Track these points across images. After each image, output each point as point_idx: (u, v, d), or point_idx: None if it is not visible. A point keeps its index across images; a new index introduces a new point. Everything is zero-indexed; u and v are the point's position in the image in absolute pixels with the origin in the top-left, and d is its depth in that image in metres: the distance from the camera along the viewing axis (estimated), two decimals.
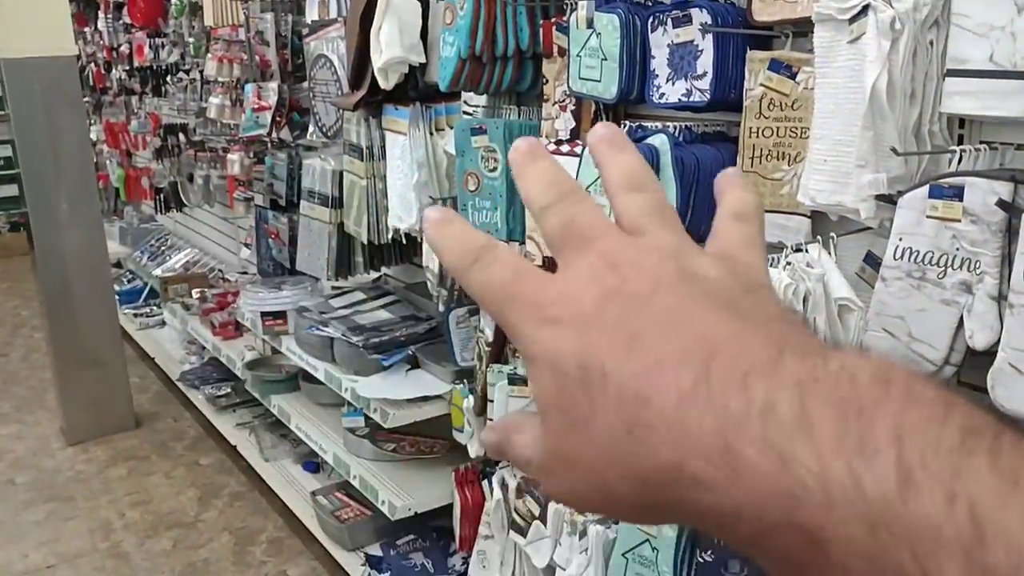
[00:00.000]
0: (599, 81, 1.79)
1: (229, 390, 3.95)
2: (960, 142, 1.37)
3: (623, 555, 1.86)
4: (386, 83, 2.39)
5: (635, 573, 1.84)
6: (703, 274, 0.35)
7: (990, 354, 1.22)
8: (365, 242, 2.69)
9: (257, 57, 3.32)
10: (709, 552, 1.75)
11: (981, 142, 1.33)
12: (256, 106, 3.27)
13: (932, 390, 0.28)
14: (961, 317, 1.26)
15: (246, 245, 4.02)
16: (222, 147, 4.05)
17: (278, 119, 3.23)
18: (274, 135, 3.27)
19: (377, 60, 2.36)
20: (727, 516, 0.29)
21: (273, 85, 3.22)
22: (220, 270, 4.65)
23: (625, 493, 0.31)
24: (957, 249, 1.25)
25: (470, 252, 0.36)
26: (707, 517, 0.30)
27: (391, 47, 2.30)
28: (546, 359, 0.33)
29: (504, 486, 2.28)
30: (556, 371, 0.32)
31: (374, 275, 3.09)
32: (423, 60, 2.35)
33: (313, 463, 3.32)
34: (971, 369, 1.31)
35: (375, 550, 2.77)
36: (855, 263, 1.53)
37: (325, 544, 2.89)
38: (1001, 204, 1.18)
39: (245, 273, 4.29)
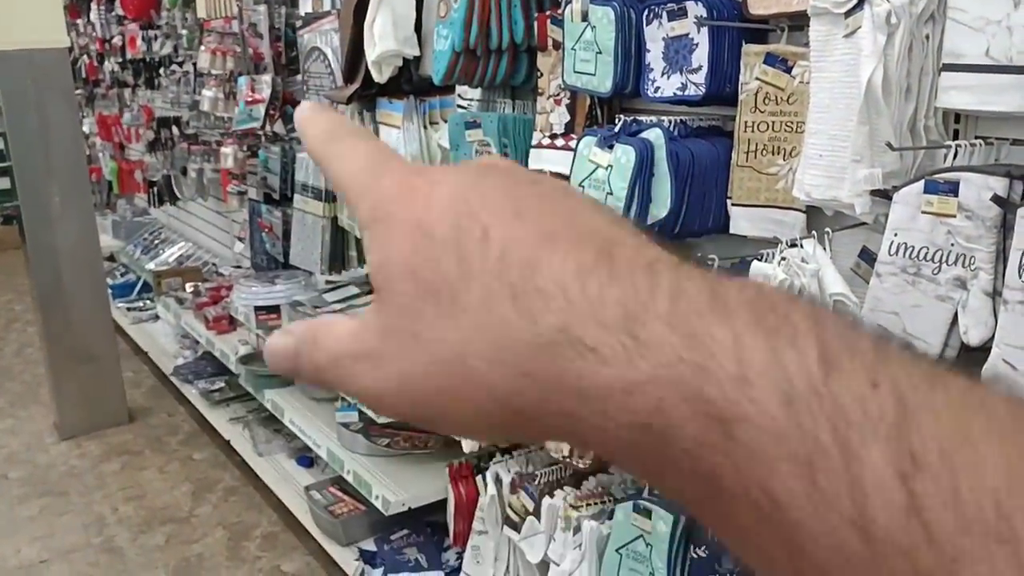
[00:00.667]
0: (594, 75, 1.78)
1: (223, 385, 3.93)
2: (955, 137, 1.37)
3: (617, 551, 1.86)
4: (380, 76, 2.37)
5: (629, 569, 1.84)
6: (573, 189, 0.34)
7: (984, 350, 1.22)
8: (359, 236, 2.68)
9: (250, 50, 3.30)
10: (703, 548, 1.75)
11: (976, 137, 1.32)
12: (249, 99, 3.25)
13: (828, 311, 0.26)
14: (956, 313, 1.26)
15: (240, 239, 4.00)
16: (215, 140, 4.03)
17: (271, 112, 3.22)
18: (267, 128, 3.26)
19: (371, 53, 2.34)
20: (618, 394, 0.25)
21: (267, 78, 3.20)
22: (214, 264, 4.63)
23: (487, 373, 0.27)
24: (952, 245, 1.25)
25: (335, 129, 0.34)
26: (593, 398, 0.25)
27: (385, 40, 2.29)
28: (410, 219, 0.29)
29: (498, 481, 2.27)
30: (419, 231, 0.28)
31: (368, 269, 3.07)
32: (417, 53, 2.34)
33: (307, 458, 3.31)
34: (965, 365, 1.31)
35: (369, 545, 2.77)
36: (850, 258, 1.53)
37: (319, 539, 2.88)
38: (996, 200, 1.17)
39: (239, 267, 4.27)
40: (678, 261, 0.27)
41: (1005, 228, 1.19)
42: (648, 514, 1.79)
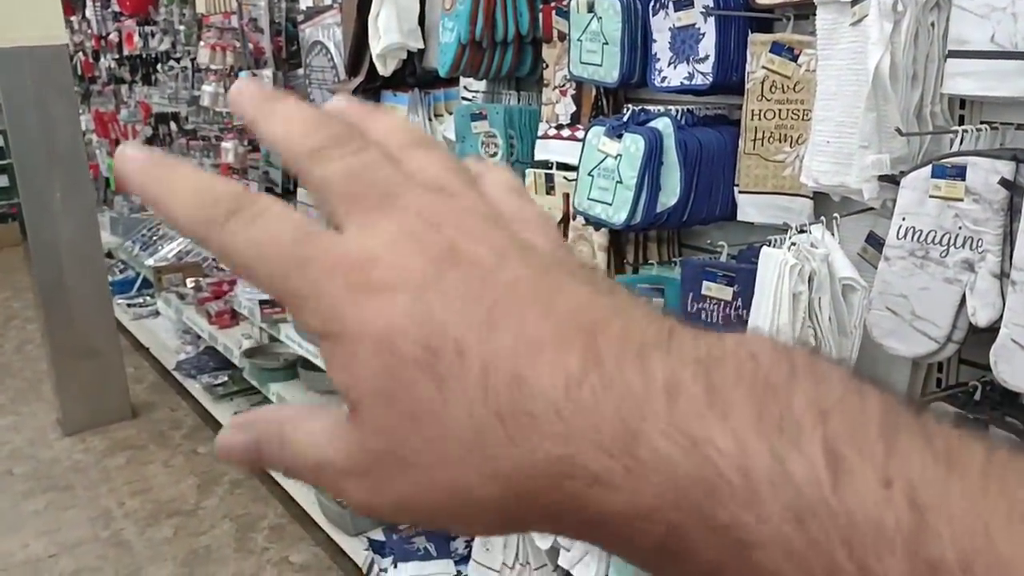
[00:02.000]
0: (600, 65, 1.80)
1: (226, 379, 3.95)
2: (961, 123, 1.39)
3: None
4: (384, 69, 2.39)
5: None
6: (533, 242, 0.28)
7: (992, 331, 1.24)
8: None
9: (251, 44, 3.31)
10: None
11: (982, 122, 1.35)
12: None
13: (836, 368, 0.24)
14: (963, 295, 1.28)
15: None
16: (215, 135, 4.04)
17: None
18: None
19: (375, 46, 2.36)
20: (630, 521, 0.24)
21: (268, 72, 3.21)
22: (214, 259, 4.64)
23: (490, 497, 0.25)
24: (959, 228, 1.28)
25: (221, 201, 0.27)
26: (604, 524, 0.24)
27: (389, 33, 2.30)
28: (371, 336, 0.25)
29: None
30: (386, 351, 0.25)
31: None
32: (421, 46, 2.35)
33: None
34: (973, 346, 1.34)
35: (378, 535, 2.79)
36: (857, 243, 1.55)
37: (327, 530, 2.91)
38: (1004, 183, 1.20)
39: None
40: (668, 330, 0.25)
41: (1012, 211, 1.22)
42: None
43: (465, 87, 2.32)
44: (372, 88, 2.53)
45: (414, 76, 2.45)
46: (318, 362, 2.85)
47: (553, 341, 0.25)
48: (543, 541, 2.11)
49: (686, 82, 1.67)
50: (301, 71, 3.02)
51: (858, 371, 0.25)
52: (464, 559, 2.57)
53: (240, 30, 3.36)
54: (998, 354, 1.22)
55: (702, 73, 1.64)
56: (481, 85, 2.27)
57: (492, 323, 0.25)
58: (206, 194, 0.27)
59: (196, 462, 3.68)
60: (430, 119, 2.44)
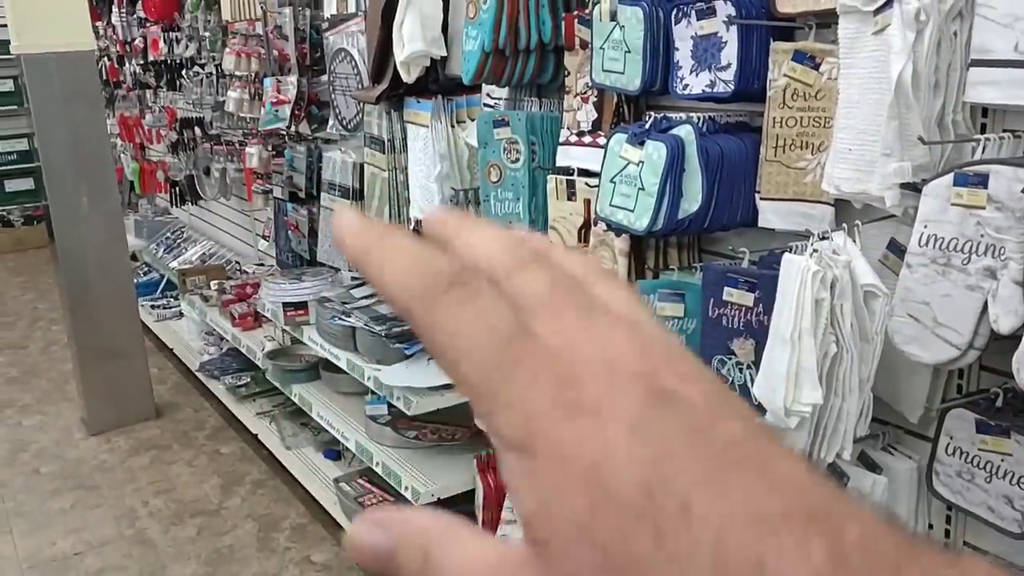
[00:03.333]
0: (622, 73, 1.82)
1: (249, 380, 3.99)
2: (983, 131, 1.40)
3: None
4: (408, 76, 2.42)
5: None
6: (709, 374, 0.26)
7: (1014, 338, 1.25)
8: None
9: (275, 51, 3.35)
10: None
11: (1004, 131, 1.36)
12: (275, 100, 3.30)
13: None
14: (985, 302, 1.29)
15: (264, 237, 4.05)
16: (239, 141, 4.09)
17: (297, 112, 3.27)
18: (293, 128, 3.31)
19: (399, 54, 2.39)
20: None
21: (292, 79, 3.25)
22: (237, 262, 4.69)
23: None
24: (982, 236, 1.28)
25: (440, 274, 0.25)
26: None
27: (414, 41, 2.33)
28: (580, 465, 0.23)
29: None
30: (596, 486, 0.23)
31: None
32: (444, 54, 2.38)
33: (334, 451, 3.37)
34: (994, 353, 1.34)
35: None
36: (878, 251, 1.56)
37: (348, 529, 2.93)
38: None
39: (262, 265, 4.33)
40: (910, 546, 0.23)
41: None
42: None
43: (487, 94, 2.34)
44: (395, 95, 2.56)
45: (437, 83, 2.47)
46: (340, 364, 2.88)
47: (786, 523, 0.22)
48: None
49: (708, 90, 1.69)
50: (325, 77, 3.05)
51: None
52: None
53: (265, 37, 3.40)
54: (1021, 361, 1.23)
55: (724, 81, 1.65)
56: (503, 92, 2.29)
57: (715, 481, 0.22)
58: (423, 265, 0.26)
59: (219, 462, 3.72)
60: (452, 126, 2.47)
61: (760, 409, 1.46)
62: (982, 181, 1.27)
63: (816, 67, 1.55)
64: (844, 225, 1.45)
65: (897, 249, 1.53)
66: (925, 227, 1.35)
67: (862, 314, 1.39)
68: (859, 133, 1.44)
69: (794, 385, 1.36)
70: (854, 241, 1.43)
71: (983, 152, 1.32)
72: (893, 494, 1.57)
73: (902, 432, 1.63)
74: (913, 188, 1.38)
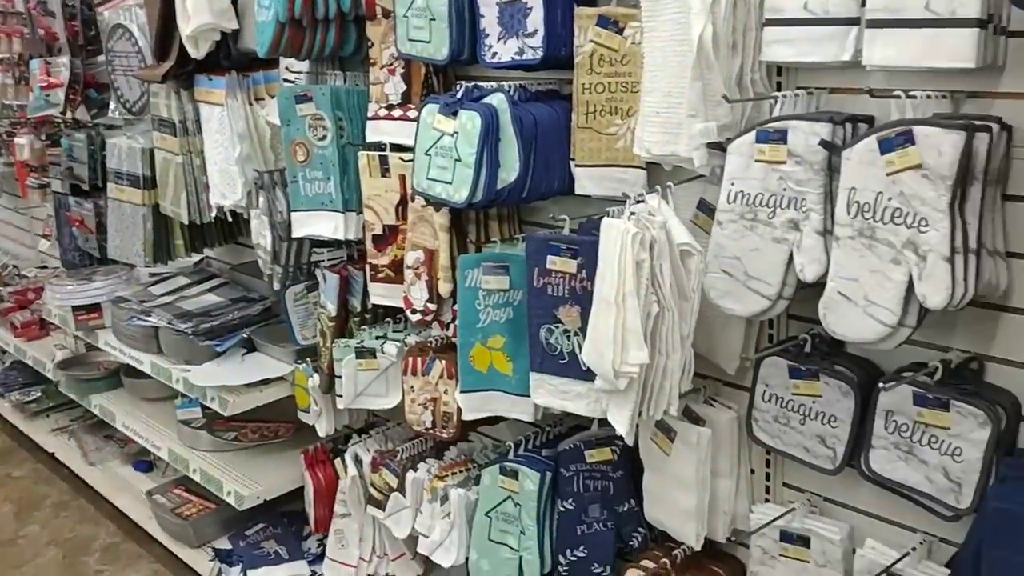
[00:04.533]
0: (429, 42, 1.76)
1: (39, 394, 3.65)
2: (779, 89, 1.46)
3: (486, 514, 1.88)
4: (197, 52, 2.24)
5: (499, 531, 1.87)
6: None
7: (819, 286, 1.31)
8: (185, 223, 2.54)
9: (41, 30, 3.03)
10: (570, 500, 1.80)
11: (799, 87, 1.42)
12: (45, 83, 2.98)
13: None
14: (791, 253, 1.35)
15: (44, 236, 3.69)
16: (6, 131, 3.69)
17: (72, 96, 2.97)
18: (69, 114, 3.01)
19: (185, 27, 2.21)
20: None
21: (64, 60, 2.95)
22: (15, 266, 4.25)
23: None
24: (784, 189, 1.34)
25: None
26: None
27: (200, 13, 2.16)
28: None
29: (358, 461, 2.24)
30: None
31: (196, 258, 2.92)
32: (235, 26, 2.22)
33: (144, 462, 3.13)
34: (800, 302, 1.41)
35: (223, 543, 2.66)
36: (689, 211, 1.61)
37: (167, 544, 2.74)
38: (823, 144, 1.27)
39: (45, 267, 3.95)
40: None
41: (831, 170, 1.29)
42: (515, 475, 1.82)
43: (287, 68, 2.22)
44: (184, 73, 2.38)
45: (229, 58, 2.31)
46: (143, 368, 2.67)
47: None
48: (400, 530, 2.07)
49: (517, 57, 1.66)
50: (102, 57, 2.78)
51: None
52: (318, 558, 2.49)
53: (27, 14, 3.06)
54: (827, 306, 1.29)
55: (532, 48, 1.63)
56: (304, 66, 2.17)
57: None
58: None
59: (11, 487, 3.37)
60: (250, 103, 2.32)
61: (589, 374, 1.46)
62: (781, 137, 1.32)
63: (620, 32, 1.56)
64: (657, 187, 1.47)
65: (707, 208, 1.58)
66: (732, 184, 1.39)
67: (679, 272, 1.41)
68: (665, 96, 1.47)
69: (621, 347, 1.37)
70: (668, 202, 1.45)
71: (781, 109, 1.37)
72: (717, 444, 1.62)
73: (721, 384, 1.70)
74: (719, 147, 1.42)
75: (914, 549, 1.41)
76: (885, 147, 1.18)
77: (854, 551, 1.48)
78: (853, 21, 1.28)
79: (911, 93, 1.22)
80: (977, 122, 1.15)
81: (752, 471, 1.68)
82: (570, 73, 1.64)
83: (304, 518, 2.51)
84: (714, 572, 1.70)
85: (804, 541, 1.53)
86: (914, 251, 1.18)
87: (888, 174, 1.19)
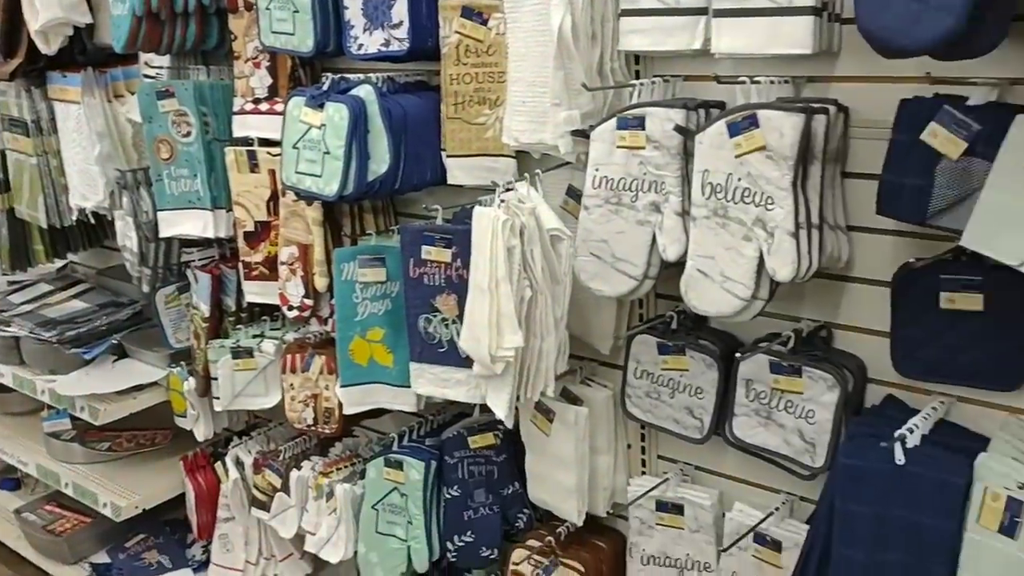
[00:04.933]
0: (293, 34, 1.75)
1: None
2: (637, 77, 1.52)
3: (373, 507, 1.88)
4: (48, 47, 2.14)
5: (387, 522, 1.87)
6: None
7: (681, 265, 1.38)
8: (44, 227, 2.42)
9: None
10: (455, 487, 1.83)
11: (655, 75, 1.48)
12: None
13: None
14: (654, 234, 1.41)
15: None
16: None
17: None
18: None
19: (33, 22, 2.10)
20: None
21: None
22: None
23: None
24: (645, 174, 1.40)
25: None
26: None
27: (49, 7, 2.06)
28: None
29: (240, 464, 2.20)
30: None
31: (59, 263, 2.79)
32: (89, 20, 2.13)
33: (11, 480, 2.97)
34: (666, 280, 1.47)
35: (102, 557, 2.55)
36: (559, 197, 1.65)
37: (39, 563, 2.61)
38: (678, 129, 1.33)
39: None
40: None
41: (687, 154, 1.35)
42: (399, 465, 1.83)
43: (146, 63, 2.14)
44: (35, 69, 2.26)
45: (84, 54, 2.22)
46: (5, 380, 2.53)
47: None
48: (286, 530, 2.05)
49: (383, 49, 1.67)
50: None
51: None
52: (203, 565, 2.43)
53: None
54: (687, 284, 1.36)
55: (398, 39, 1.64)
56: (165, 60, 2.11)
57: None
58: None
59: None
60: (109, 100, 2.23)
61: (468, 361, 1.49)
62: (640, 123, 1.37)
63: (485, 23, 1.59)
64: (527, 175, 1.51)
65: (575, 194, 1.62)
66: (597, 170, 1.44)
67: (551, 257, 1.45)
68: (530, 85, 1.50)
69: (496, 332, 1.40)
70: (537, 189, 1.49)
71: (639, 96, 1.43)
72: (594, 422, 1.68)
73: (598, 365, 1.75)
74: (583, 135, 1.47)
75: (777, 509, 1.50)
76: (733, 131, 1.25)
77: (724, 515, 1.56)
78: (702, 11, 1.34)
79: (755, 79, 1.29)
80: (815, 104, 1.23)
81: (629, 446, 1.75)
82: (438, 64, 1.65)
83: (187, 526, 2.44)
84: (596, 546, 1.76)
85: (678, 509, 1.60)
86: (763, 228, 1.25)
87: (736, 156, 1.26)
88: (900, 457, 1.19)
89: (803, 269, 1.24)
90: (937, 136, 1.14)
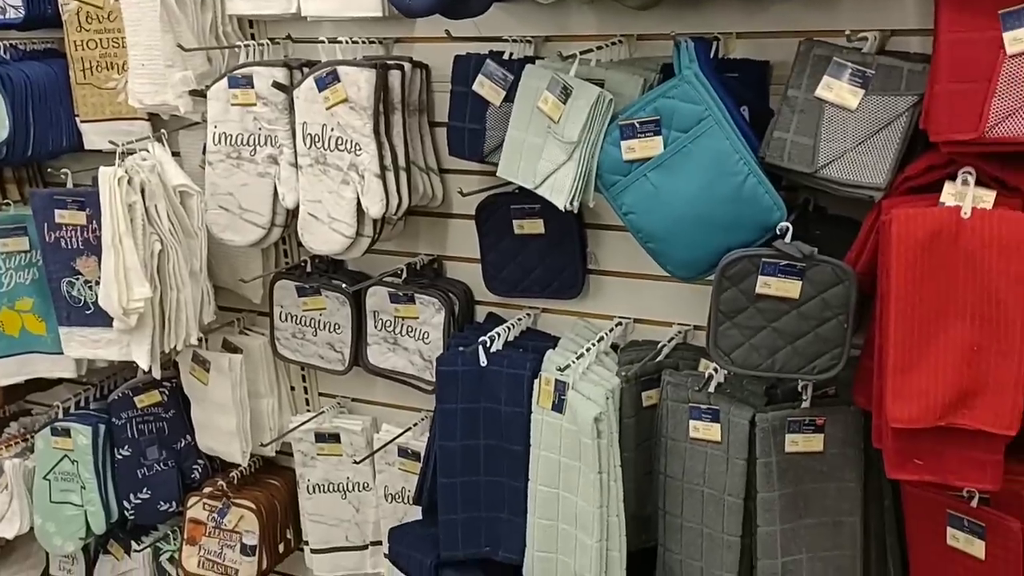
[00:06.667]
0: None
1: None
2: (253, 39, 1.62)
3: (44, 478, 1.88)
4: None
5: (60, 490, 1.87)
6: None
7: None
8: None
9: None
10: (126, 447, 1.86)
11: (268, 38, 1.59)
12: None
13: None
14: (275, 185, 1.53)
15: None
16: None
17: None
18: None
19: None
20: None
21: None
22: None
23: None
24: (260, 129, 1.51)
25: None
26: None
27: None
28: None
29: None
30: None
31: None
32: None
33: None
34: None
35: None
36: (197, 156, 1.73)
37: None
38: (277, 85, 1.45)
39: None
40: None
41: (294, 109, 1.48)
42: (67, 432, 1.83)
43: None
44: None
45: None
46: None
47: None
48: None
49: (0, 17, 1.66)
50: None
51: None
52: None
53: None
54: (303, 227, 1.49)
55: (13, 7, 1.64)
56: None
57: None
58: None
59: None
60: None
61: (108, 320, 1.54)
62: (249, 82, 1.48)
63: None
64: (156, 134, 1.57)
65: None
66: (216, 127, 1.54)
67: (181, 212, 1.54)
68: (147, 49, 1.57)
69: (125, 285, 1.46)
70: (164, 147, 1.56)
71: (250, 56, 1.54)
72: (253, 368, 1.79)
73: (256, 316, 1.86)
74: (202, 95, 1.56)
75: (415, 424, 1.69)
76: (320, 85, 1.39)
77: (375, 438, 1.73)
78: None
79: (337, 39, 1.44)
80: (390, 62, 1.40)
81: (292, 388, 1.87)
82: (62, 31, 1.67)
83: None
84: (269, 484, 1.88)
85: (335, 438, 1.75)
86: (356, 171, 1.41)
87: (327, 108, 1.40)
88: (483, 360, 1.40)
89: (392, 206, 1.42)
90: (484, 86, 1.35)
